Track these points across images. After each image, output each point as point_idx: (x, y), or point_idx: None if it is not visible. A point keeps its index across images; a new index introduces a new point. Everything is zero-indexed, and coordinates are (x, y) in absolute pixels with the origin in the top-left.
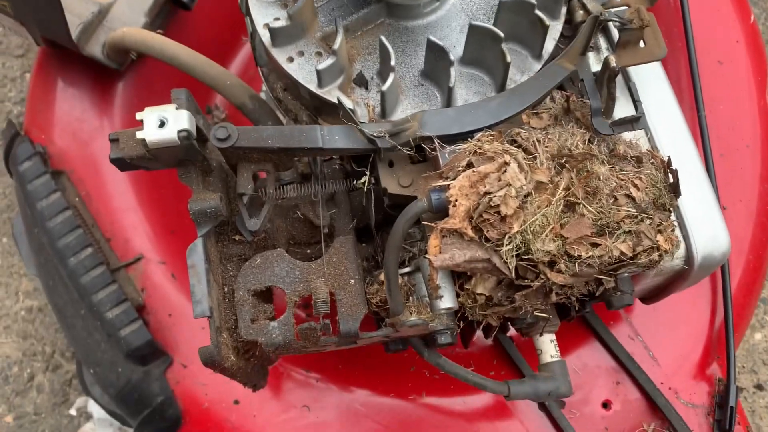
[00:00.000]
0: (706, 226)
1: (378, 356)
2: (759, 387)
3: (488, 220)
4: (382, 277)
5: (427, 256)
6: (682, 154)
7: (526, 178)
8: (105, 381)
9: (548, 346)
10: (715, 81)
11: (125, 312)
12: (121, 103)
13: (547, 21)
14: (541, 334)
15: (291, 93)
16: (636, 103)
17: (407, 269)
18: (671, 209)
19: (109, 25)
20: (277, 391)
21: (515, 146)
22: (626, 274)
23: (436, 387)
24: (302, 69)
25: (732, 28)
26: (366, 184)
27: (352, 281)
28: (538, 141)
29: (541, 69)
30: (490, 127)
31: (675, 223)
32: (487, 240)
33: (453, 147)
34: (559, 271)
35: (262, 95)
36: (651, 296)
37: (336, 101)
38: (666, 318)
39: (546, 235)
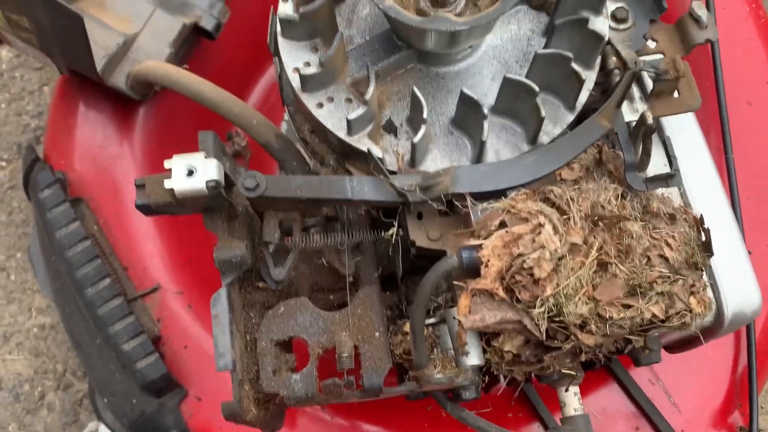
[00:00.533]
0: (738, 284)
1: None
2: None
3: (520, 281)
4: (406, 327)
5: (457, 316)
6: (714, 209)
7: (560, 240)
8: (119, 411)
9: (572, 399)
10: (743, 122)
11: (142, 345)
12: (143, 130)
13: (583, 74)
14: (566, 390)
15: (318, 136)
16: (671, 159)
17: (432, 320)
18: (703, 268)
19: (133, 56)
20: (291, 427)
21: (548, 204)
22: (656, 334)
23: (454, 428)
24: (332, 116)
25: (762, 68)
26: (394, 236)
27: (377, 334)
28: (572, 199)
29: (576, 125)
30: (524, 185)
31: (707, 282)
32: (519, 301)
33: (485, 204)
34: (590, 333)
35: (284, 125)
36: (676, 347)
37: (366, 150)
38: (687, 362)
39: (579, 298)
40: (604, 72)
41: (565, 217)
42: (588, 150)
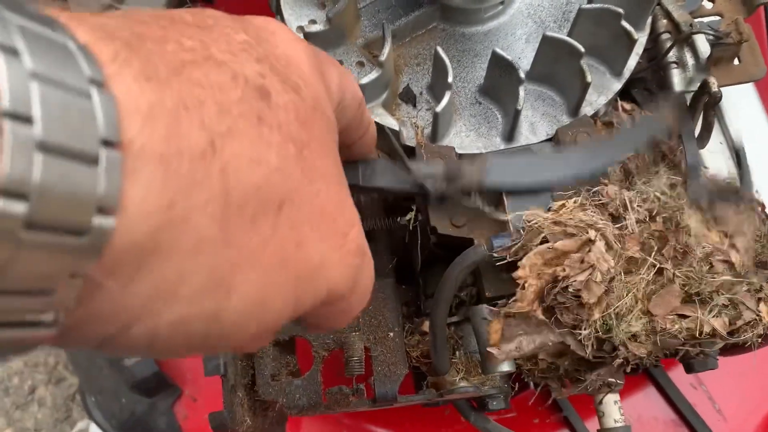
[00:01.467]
0: None
1: None
2: None
3: (564, 303)
4: (424, 326)
5: (490, 349)
6: None
7: (614, 258)
8: (107, 410)
9: (611, 408)
10: None
11: None
12: None
13: (635, 35)
14: (604, 397)
15: None
16: (744, 176)
17: (454, 319)
18: None
19: None
20: (296, 429)
21: (601, 210)
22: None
23: None
24: None
25: None
26: (412, 222)
27: (392, 334)
28: (630, 201)
29: (622, 95)
30: (571, 182)
31: None
32: (560, 323)
33: (522, 213)
34: (640, 342)
35: None
36: (726, 350)
37: (380, 123)
38: (733, 365)
39: (633, 314)
40: (653, 36)
41: (621, 224)
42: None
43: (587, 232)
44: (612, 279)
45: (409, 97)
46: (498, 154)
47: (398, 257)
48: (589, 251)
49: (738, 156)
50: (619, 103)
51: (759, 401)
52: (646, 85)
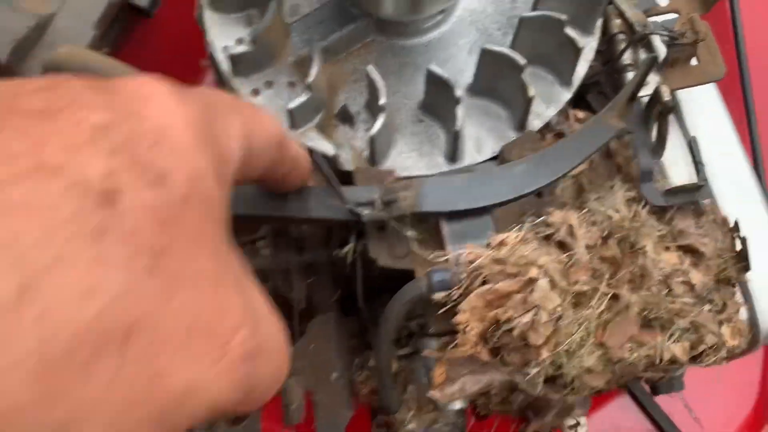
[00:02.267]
0: None
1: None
2: None
3: (509, 344)
4: (373, 361)
5: (431, 393)
6: (745, 204)
7: (561, 296)
8: None
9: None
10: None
11: None
12: None
13: (580, 42)
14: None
15: None
16: (698, 165)
17: (405, 351)
18: (736, 285)
19: (50, 40)
20: None
21: (546, 242)
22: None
23: None
24: (271, 104)
25: None
26: (351, 253)
27: (335, 374)
28: (577, 227)
29: (576, 102)
30: (513, 200)
31: (740, 300)
32: (507, 363)
33: (460, 252)
34: (596, 374)
35: None
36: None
37: (314, 148)
38: (710, 372)
39: (585, 350)
40: (607, 38)
41: (569, 254)
42: None
43: (529, 271)
44: (560, 318)
45: (346, 118)
46: (437, 175)
47: (343, 288)
48: (532, 291)
49: (691, 148)
50: (571, 112)
51: (736, 408)
52: (602, 89)
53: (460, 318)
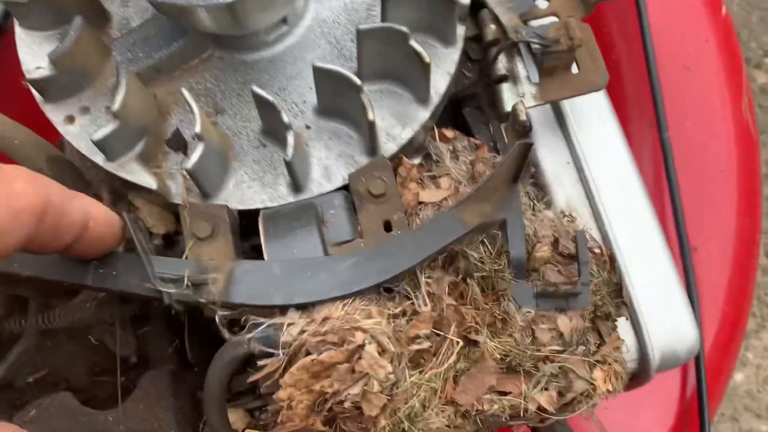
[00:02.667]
0: (665, 318)
1: None
2: None
3: (344, 413)
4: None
5: None
6: (635, 224)
7: (393, 361)
8: None
9: None
10: (680, 91)
11: None
12: None
13: (426, 55)
14: None
15: (87, 160)
16: (581, 267)
17: (255, 404)
18: (616, 320)
19: None
20: None
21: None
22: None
23: None
24: (86, 132)
25: (700, 24)
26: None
27: None
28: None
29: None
30: (334, 299)
31: (620, 337)
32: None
33: (269, 322)
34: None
35: None
36: None
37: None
38: (625, 393)
39: (432, 410)
40: (483, 45)
41: (404, 306)
42: (460, 160)
43: (355, 337)
44: (395, 383)
45: (179, 144)
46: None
47: (181, 337)
48: (360, 359)
49: (576, 243)
50: (437, 131)
51: (655, 429)
52: (478, 102)
53: (281, 395)
